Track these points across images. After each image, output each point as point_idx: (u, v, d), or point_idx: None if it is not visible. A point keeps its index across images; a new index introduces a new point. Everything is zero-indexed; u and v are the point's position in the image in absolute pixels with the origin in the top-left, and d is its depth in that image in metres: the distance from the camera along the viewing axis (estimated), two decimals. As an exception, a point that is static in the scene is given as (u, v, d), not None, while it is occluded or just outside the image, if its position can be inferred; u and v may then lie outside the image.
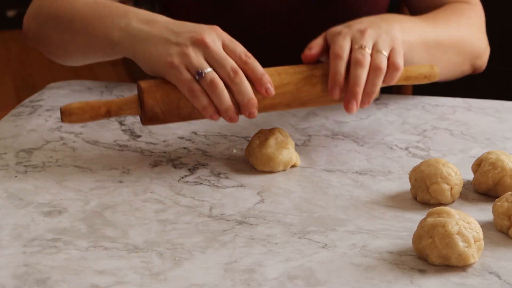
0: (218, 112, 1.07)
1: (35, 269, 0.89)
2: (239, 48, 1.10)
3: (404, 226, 0.97)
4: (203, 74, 1.06)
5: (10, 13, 4.22)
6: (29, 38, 1.31)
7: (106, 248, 0.93)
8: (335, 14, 1.38)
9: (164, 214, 1.00)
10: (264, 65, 1.13)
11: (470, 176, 1.08)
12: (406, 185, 1.06)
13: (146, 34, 1.10)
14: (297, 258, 0.91)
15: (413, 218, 0.99)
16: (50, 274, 0.88)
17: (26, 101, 1.33)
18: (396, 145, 1.18)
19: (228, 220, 0.99)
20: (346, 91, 1.10)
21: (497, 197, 1.01)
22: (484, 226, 0.96)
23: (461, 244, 0.88)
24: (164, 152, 1.16)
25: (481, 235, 0.90)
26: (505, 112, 1.31)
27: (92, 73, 3.52)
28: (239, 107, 1.08)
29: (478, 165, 1.06)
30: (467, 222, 0.90)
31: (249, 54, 1.10)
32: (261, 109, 1.10)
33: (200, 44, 1.07)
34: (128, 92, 1.35)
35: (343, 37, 1.12)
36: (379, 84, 1.10)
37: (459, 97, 1.36)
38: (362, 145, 1.18)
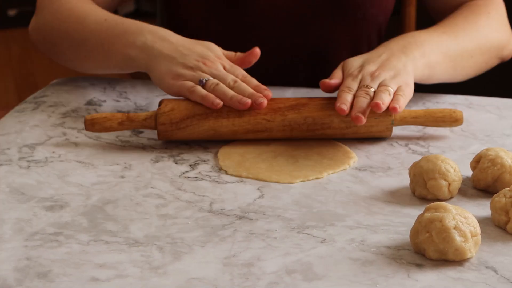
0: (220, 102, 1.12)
1: (36, 262, 0.89)
2: (239, 71, 1.17)
3: (402, 221, 0.98)
4: (204, 81, 1.14)
5: (11, 12, 4.22)
6: (41, 50, 1.36)
7: (107, 242, 0.94)
8: (342, 16, 1.39)
9: (165, 209, 1.01)
10: (267, 62, 1.14)
11: (469, 172, 1.09)
12: (405, 181, 1.07)
13: (159, 52, 1.17)
14: (296, 253, 0.92)
15: (411, 214, 0.99)
16: (51, 267, 0.89)
17: (30, 97, 1.33)
18: (396, 142, 1.19)
19: (228, 215, 1.00)
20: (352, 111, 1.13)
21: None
22: (482, 221, 0.96)
23: (458, 238, 0.89)
24: (166, 148, 1.17)
25: (478, 230, 0.91)
26: (505, 109, 1.31)
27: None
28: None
29: (476, 162, 1.07)
30: (464, 217, 0.90)
31: (248, 75, 1.17)
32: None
33: (204, 65, 1.16)
34: (130, 88, 1.35)
35: (353, 79, 1.16)
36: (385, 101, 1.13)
37: (459, 94, 1.37)
38: (362, 142, 1.19)
